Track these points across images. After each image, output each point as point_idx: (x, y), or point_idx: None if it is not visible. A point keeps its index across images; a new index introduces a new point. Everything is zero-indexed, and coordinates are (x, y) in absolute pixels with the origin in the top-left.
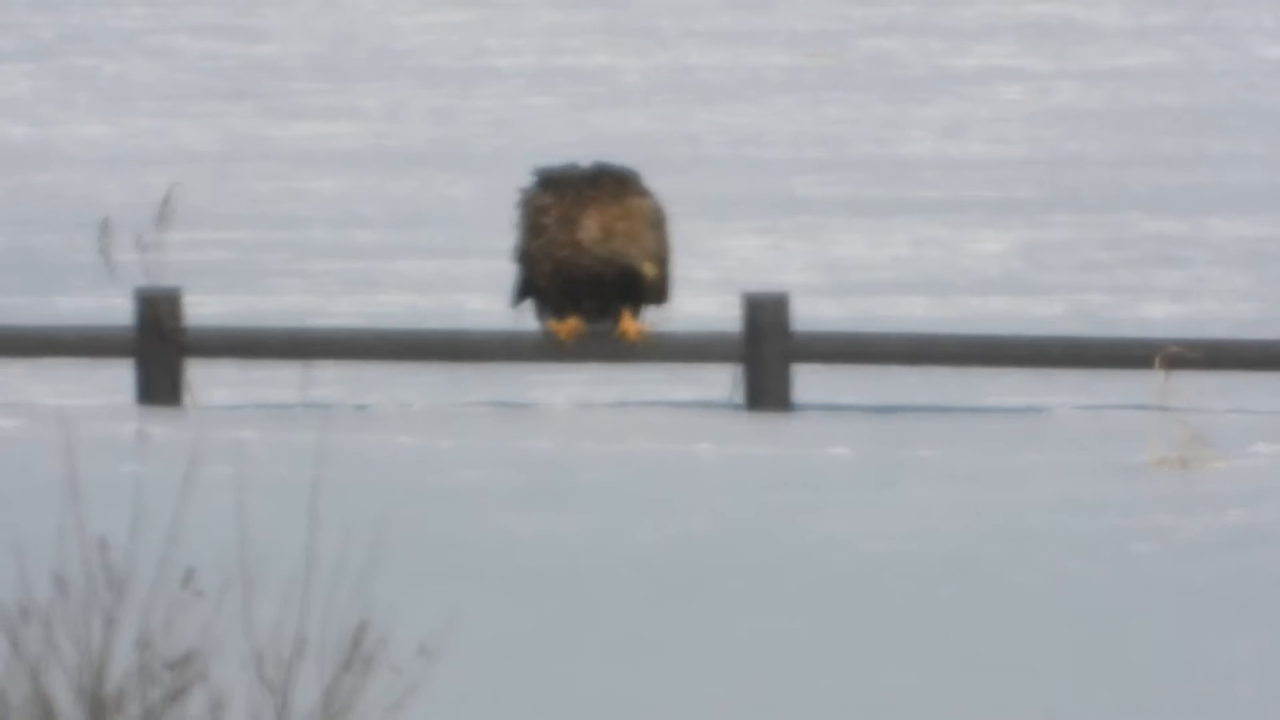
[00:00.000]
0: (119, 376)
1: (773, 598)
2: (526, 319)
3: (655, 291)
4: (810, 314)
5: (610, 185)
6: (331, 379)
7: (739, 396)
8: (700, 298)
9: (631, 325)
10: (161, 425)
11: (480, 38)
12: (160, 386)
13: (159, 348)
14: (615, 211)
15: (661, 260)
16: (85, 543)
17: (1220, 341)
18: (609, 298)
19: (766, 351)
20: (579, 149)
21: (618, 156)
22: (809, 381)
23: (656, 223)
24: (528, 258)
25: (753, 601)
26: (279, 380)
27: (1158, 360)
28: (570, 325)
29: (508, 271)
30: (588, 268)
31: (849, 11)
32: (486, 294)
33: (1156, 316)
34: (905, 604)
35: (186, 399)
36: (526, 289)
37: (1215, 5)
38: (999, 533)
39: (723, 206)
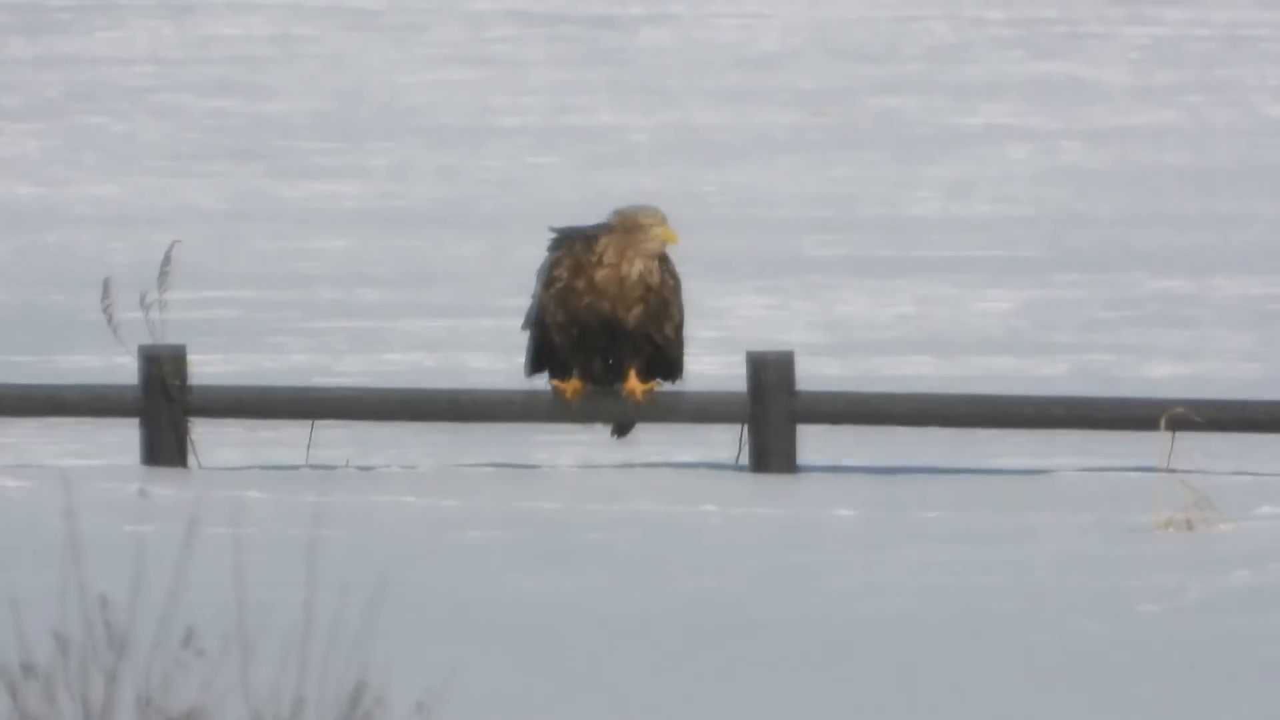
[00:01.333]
0: (125, 436)
1: (779, 657)
2: (534, 381)
3: (668, 360)
4: (815, 373)
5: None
6: (337, 439)
7: (744, 457)
8: (705, 357)
9: (638, 384)
10: (166, 485)
11: (486, 96)
12: (165, 446)
13: (163, 407)
14: (627, 240)
15: (676, 325)
16: (86, 601)
17: (1225, 403)
18: (620, 352)
19: (771, 411)
20: (585, 208)
21: None
22: (814, 442)
23: (674, 275)
24: (542, 310)
25: (759, 661)
26: (284, 440)
27: (1163, 422)
28: (575, 385)
29: (513, 330)
30: (606, 313)
31: (855, 70)
32: (492, 353)
33: (1161, 376)
34: (911, 663)
35: (191, 459)
36: (539, 356)
37: (1221, 64)
38: (1004, 593)
39: (729, 266)
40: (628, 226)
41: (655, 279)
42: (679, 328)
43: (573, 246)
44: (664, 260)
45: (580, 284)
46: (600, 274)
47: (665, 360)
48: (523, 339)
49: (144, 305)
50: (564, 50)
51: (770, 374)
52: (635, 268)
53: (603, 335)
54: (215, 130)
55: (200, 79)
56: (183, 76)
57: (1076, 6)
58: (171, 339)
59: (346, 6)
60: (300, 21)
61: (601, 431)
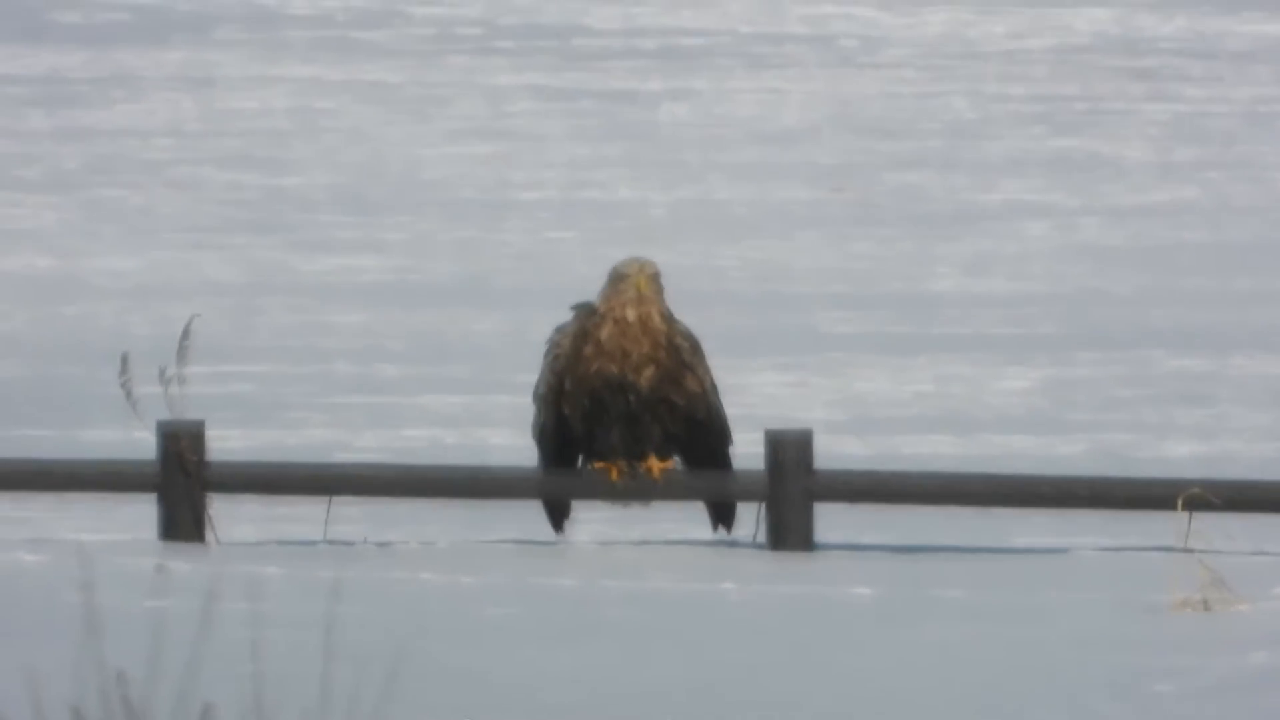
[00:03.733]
0: (143, 511)
1: None
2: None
3: (701, 425)
4: (834, 451)
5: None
6: (354, 515)
7: (761, 535)
8: None
9: (655, 462)
10: (183, 560)
11: (505, 171)
12: (182, 521)
13: (181, 483)
14: (614, 290)
15: (703, 385)
16: (104, 676)
17: (1242, 483)
18: (641, 424)
19: (789, 489)
20: (603, 283)
21: None
22: (832, 520)
23: (688, 337)
24: (545, 388)
25: None
26: (302, 516)
27: (1180, 502)
28: (619, 464)
29: (531, 407)
30: (615, 377)
31: (875, 146)
32: (510, 429)
33: (1180, 456)
34: None
35: (209, 534)
36: (552, 446)
37: (1240, 141)
38: (1022, 672)
39: (747, 342)
40: (614, 279)
41: (658, 325)
42: (709, 391)
43: (575, 321)
44: (671, 321)
45: (587, 349)
46: (604, 332)
47: (700, 428)
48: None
49: (163, 380)
50: (583, 125)
51: (788, 452)
52: (629, 313)
53: (617, 402)
54: (233, 203)
55: (219, 152)
56: (201, 149)
57: (1097, 83)
58: (190, 414)
59: (366, 80)
60: (320, 95)
61: (618, 508)
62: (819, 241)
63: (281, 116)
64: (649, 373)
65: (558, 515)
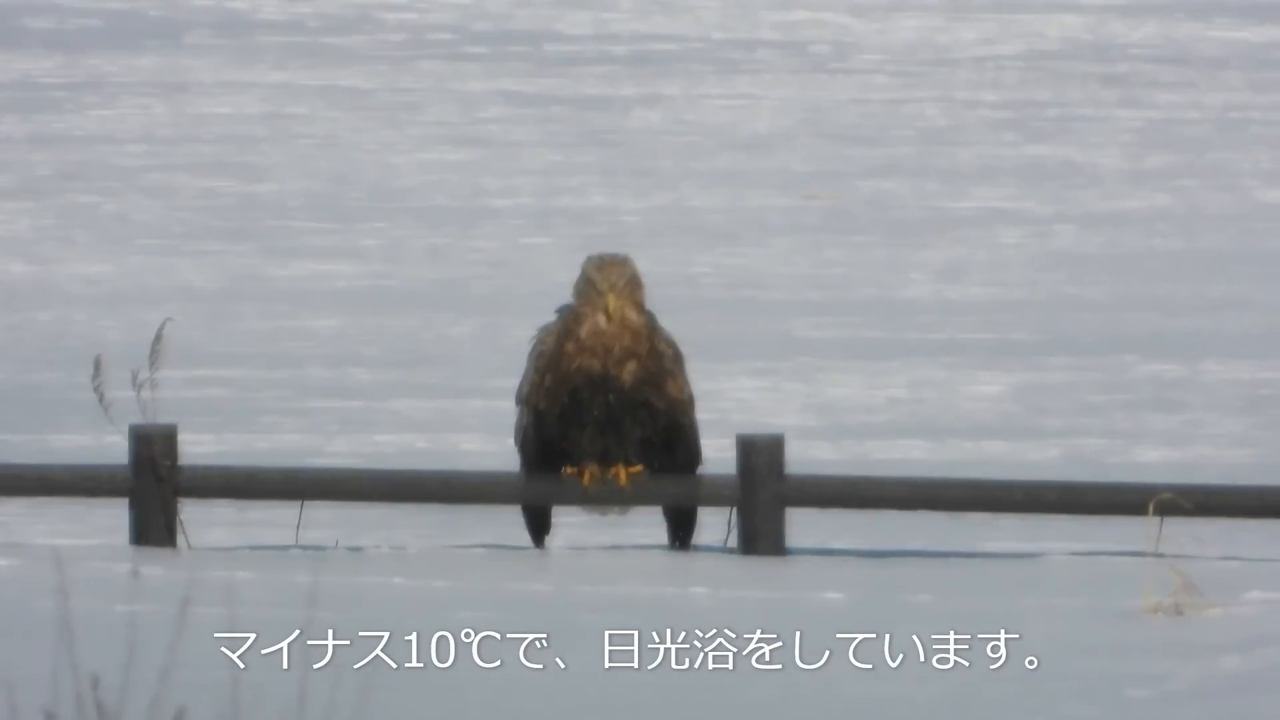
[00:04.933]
0: (115, 516)
1: None
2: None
3: (679, 434)
4: (806, 456)
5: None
6: (327, 520)
7: (733, 539)
8: None
9: (622, 468)
10: (155, 565)
11: (478, 177)
12: (154, 527)
13: (153, 487)
14: (585, 296)
15: (683, 391)
16: (78, 681)
17: (1213, 488)
18: (620, 426)
19: (761, 495)
20: (577, 278)
21: None
22: (803, 525)
23: (671, 344)
24: (529, 389)
25: None
26: (275, 521)
27: (1151, 507)
28: (592, 469)
29: (504, 411)
30: (597, 372)
31: (848, 153)
32: (483, 435)
33: (1152, 461)
34: None
35: (181, 539)
36: (534, 452)
37: (1213, 148)
38: (993, 677)
39: (721, 348)
40: (585, 280)
41: (636, 320)
42: (689, 402)
43: (559, 319)
44: (652, 322)
45: (569, 346)
46: (585, 329)
47: (680, 436)
48: (514, 418)
49: (135, 384)
50: (556, 131)
51: (760, 457)
52: (601, 320)
53: (596, 403)
54: (207, 210)
55: (192, 158)
56: (174, 156)
57: (1069, 89)
58: (163, 418)
59: (339, 86)
60: (292, 101)
61: (589, 513)
62: (793, 248)
63: (254, 122)
64: (631, 367)
65: (539, 528)
